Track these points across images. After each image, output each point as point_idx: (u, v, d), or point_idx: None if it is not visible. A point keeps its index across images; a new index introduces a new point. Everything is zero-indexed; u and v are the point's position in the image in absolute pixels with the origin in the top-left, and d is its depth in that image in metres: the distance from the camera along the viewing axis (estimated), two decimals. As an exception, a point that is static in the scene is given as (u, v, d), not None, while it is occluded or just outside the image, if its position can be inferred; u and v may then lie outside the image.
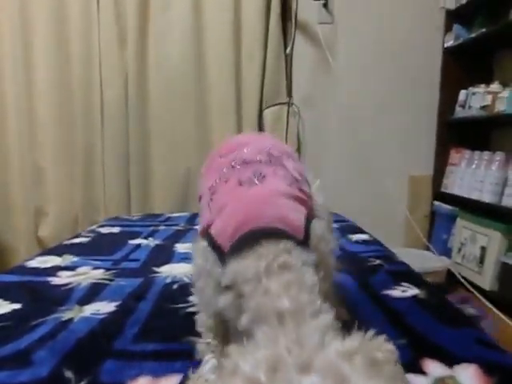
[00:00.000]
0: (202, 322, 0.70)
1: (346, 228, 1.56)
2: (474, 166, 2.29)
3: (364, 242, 1.38)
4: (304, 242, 0.59)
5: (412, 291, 0.96)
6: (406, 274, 1.07)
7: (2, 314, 0.91)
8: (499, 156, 2.16)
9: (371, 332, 0.45)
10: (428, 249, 2.44)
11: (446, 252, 2.39)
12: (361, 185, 2.53)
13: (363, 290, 0.97)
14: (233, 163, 0.71)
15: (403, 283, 1.00)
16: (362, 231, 1.52)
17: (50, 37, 2.35)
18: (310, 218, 0.64)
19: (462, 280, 2.11)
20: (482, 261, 2.14)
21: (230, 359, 0.43)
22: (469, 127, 2.42)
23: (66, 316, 0.89)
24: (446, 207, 2.43)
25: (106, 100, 2.40)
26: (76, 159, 2.43)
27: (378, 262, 1.16)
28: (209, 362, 0.65)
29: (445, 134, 2.47)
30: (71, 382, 0.66)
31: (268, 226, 0.58)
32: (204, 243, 0.64)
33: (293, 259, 0.54)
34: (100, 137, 2.42)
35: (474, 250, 2.20)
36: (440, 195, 2.49)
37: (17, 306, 0.95)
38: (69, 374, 0.68)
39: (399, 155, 2.53)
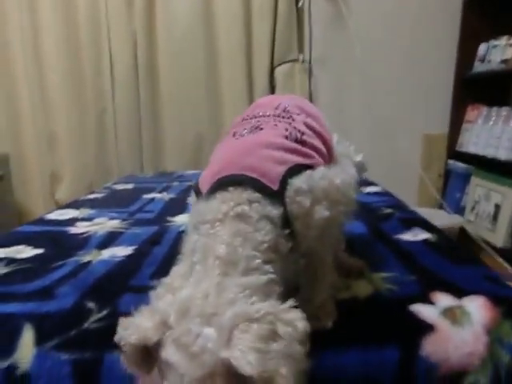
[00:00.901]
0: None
1: (360, 181, 1.56)
2: (491, 123, 2.25)
3: (376, 193, 1.39)
4: (277, 194, 0.57)
5: (423, 235, 0.97)
6: (417, 221, 1.08)
7: (27, 258, 0.95)
8: (514, 112, 2.12)
9: (291, 304, 0.46)
10: (441, 207, 2.44)
11: (460, 211, 2.38)
12: (375, 143, 2.50)
13: (375, 235, 0.98)
14: (244, 118, 0.71)
15: (414, 228, 1.01)
16: (374, 184, 1.52)
17: (56, 2, 2.33)
18: (300, 168, 0.60)
19: (474, 238, 2.11)
20: (495, 218, 2.14)
21: (157, 296, 0.48)
22: (487, 82, 2.35)
23: (85, 259, 0.93)
24: (461, 165, 2.40)
25: (116, 64, 2.40)
26: (88, 124, 2.45)
27: (389, 210, 1.17)
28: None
29: (462, 91, 2.41)
30: (93, 312, 0.70)
31: (238, 174, 0.57)
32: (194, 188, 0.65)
33: (251, 210, 0.54)
34: (111, 101, 2.42)
35: (488, 207, 2.19)
36: (455, 153, 2.46)
37: (39, 250, 0.99)
38: (91, 305, 0.72)
39: (414, 113, 2.49)
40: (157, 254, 0.94)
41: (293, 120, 0.69)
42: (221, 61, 2.39)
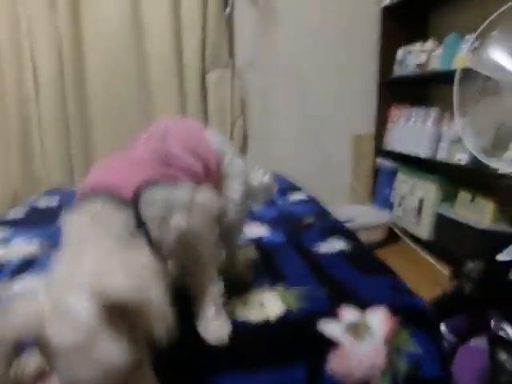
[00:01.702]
0: None
1: (286, 188, 1.59)
2: (411, 123, 2.37)
3: (301, 201, 1.42)
4: (131, 203, 0.61)
5: (339, 245, 1.01)
6: (336, 230, 1.12)
7: None
8: (434, 112, 2.25)
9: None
10: (372, 204, 2.55)
11: (389, 206, 2.50)
12: (307, 146, 2.57)
13: (293, 247, 1.01)
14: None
15: (332, 238, 1.05)
16: (300, 190, 1.56)
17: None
18: (159, 183, 0.65)
19: (399, 233, 2.23)
20: (419, 212, 2.26)
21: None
22: (407, 84, 2.48)
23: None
24: (388, 163, 2.52)
25: (40, 67, 2.27)
26: (11, 132, 2.32)
27: (310, 219, 1.20)
28: None
29: (385, 92, 2.53)
30: None
31: (102, 188, 0.61)
32: None
33: (103, 216, 0.59)
34: (35, 108, 2.30)
35: (413, 202, 2.31)
36: (382, 152, 2.58)
37: None
38: None
39: (343, 115, 2.57)
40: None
41: (165, 141, 0.73)
42: (151, 66, 2.34)
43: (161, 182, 0.65)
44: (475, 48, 1.52)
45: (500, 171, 1.76)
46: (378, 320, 0.69)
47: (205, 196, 0.68)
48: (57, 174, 2.35)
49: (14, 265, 1.02)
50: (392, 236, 2.33)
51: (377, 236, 2.31)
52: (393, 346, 0.65)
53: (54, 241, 1.18)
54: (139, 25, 2.29)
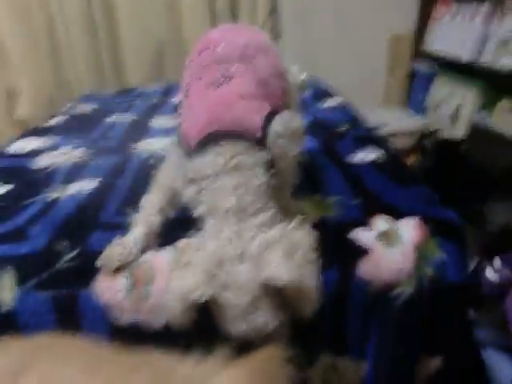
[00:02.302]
0: (150, 199, 0.77)
1: (320, 93, 1.57)
2: (457, 20, 2.21)
3: (335, 108, 1.41)
4: (261, 141, 0.64)
5: (372, 155, 1.03)
6: (370, 139, 1.13)
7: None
8: (487, 7, 2.06)
9: (294, 222, 0.57)
10: (406, 109, 2.49)
11: (423, 112, 2.43)
12: (343, 46, 2.45)
13: (328, 157, 1.04)
14: (206, 62, 0.73)
15: (366, 148, 1.07)
16: (334, 95, 1.54)
17: None
18: (273, 115, 0.67)
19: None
20: (455, 119, 2.21)
21: (184, 253, 0.56)
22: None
23: (52, 195, 0.96)
24: (426, 66, 2.40)
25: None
26: (37, 34, 2.29)
27: (345, 127, 1.21)
28: (134, 232, 0.73)
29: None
30: (66, 252, 0.75)
31: (227, 128, 0.63)
32: (176, 139, 0.71)
33: (245, 160, 0.61)
34: (59, 10, 2.24)
35: (449, 108, 2.24)
36: (421, 54, 2.44)
37: (8, 187, 1.02)
38: (62, 245, 0.77)
39: (381, 12, 2.40)
40: (121, 187, 0.98)
41: (254, 65, 0.72)
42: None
43: (276, 115, 0.67)
44: None
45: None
46: (409, 228, 0.73)
47: (300, 120, 0.73)
48: (88, 77, 2.36)
49: (66, 170, 1.09)
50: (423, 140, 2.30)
51: (410, 142, 2.29)
52: (421, 252, 0.71)
53: (98, 146, 1.25)
54: None
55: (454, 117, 2.21)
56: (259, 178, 0.61)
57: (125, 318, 0.67)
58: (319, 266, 0.56)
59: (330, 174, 0.95)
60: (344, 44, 2.44)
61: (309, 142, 1.11)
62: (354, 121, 1.27)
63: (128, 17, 2.28)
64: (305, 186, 0.88)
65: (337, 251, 0.71)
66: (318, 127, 1.22)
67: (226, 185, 0.60)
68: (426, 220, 0.75)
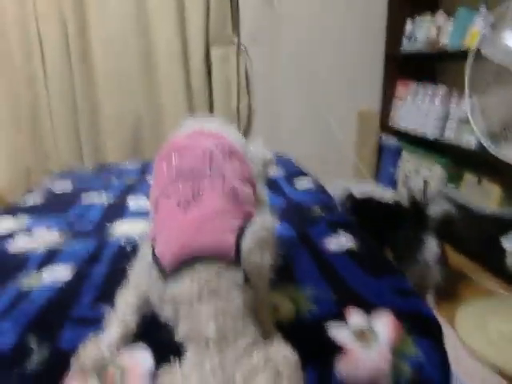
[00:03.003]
0: (125, 297, 0.76)
1: (293, 173, 1.63)
2: (419, 100, 2.37)
3: (309, 190, 1.46)
4: (235, 260, 0.64)
5: (347, 242, 1.05)
6: (343, 225, 1.16)
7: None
8: (442, 89, 2.24)
9: (277, 344, 0.57)
10: (376, 182, 2.59)
11: (393, 184, 2.54)
12: (312, 123, 2.58)
13: (302, 243, 1.06)
14: (172, 177, 0.75)
15: (340, 234, 1.10)
16: (307, 175, 1.60)
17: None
18: (244, 229, 0.67)
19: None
20: (425, 192, 2.30)
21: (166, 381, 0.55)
22: (415, 60, 2.46)
23: (25, 284, 0.94)
24: (393, 141, 2.54)
25: (46, 48, 2.27)
26: (21, 109, 2.34)
27: (318, 211, 1.25)
28: (109, 332, 0.72)
29: (392, 67, 2.51)
30: (35, 351, 0.73)
31: (200, 252, 0.63)
32: (149, 257, 0.69)
33: (221, 283, 0.61)
34: (44, 87, 2.31)
35: (418, 182, 2.35)
36: (387, 129, 2.58)
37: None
38: (32, 342, 0.75)
39: (348, 91, 2.57)
40: (96, 276, 0.97)
41: (223, 177, 0.74)
42: (155, 44, 2.33)
43: (248, 227, 0.67)
44: (490, 25, 1.49)
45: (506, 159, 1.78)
46: (384, 326, 0.74)
47: (271, 224, 0.73)
48: (66, 150, 2.39)
49: (41, 255, 1.07)
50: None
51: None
52: (397, 351, 0.71)
53: (74, 228, 1.24)
54: (143, 3, 2.26)
55: (423, 190, 2.30)
56: (236, 300, 0.61)
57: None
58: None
59: (303, 263, 0.96)
60: (313, 121, 2.57)
61: (282, 228, 1.14)
62: (327, 204, 1.31)
63: (108, 93, 2.36)
64: (278, 275, 0.90)
65: (314, 350, 0.71)
66: (291, 212, 1.26)
67: (204, 312, 0.59)
68: (400, 315, 0.76)
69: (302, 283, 0.88)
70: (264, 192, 0.87)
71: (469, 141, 1.97)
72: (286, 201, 1.35)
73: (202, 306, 0.60)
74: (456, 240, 2.04)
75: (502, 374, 1.31)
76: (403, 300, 0.82)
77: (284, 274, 0.91)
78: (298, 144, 2.34)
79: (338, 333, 0.73)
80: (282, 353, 0.56)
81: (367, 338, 0.72)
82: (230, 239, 0.65)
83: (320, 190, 1.45)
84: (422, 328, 0.75)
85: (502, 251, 1.79)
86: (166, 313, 0.64)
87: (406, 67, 2.48)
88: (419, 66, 2.46)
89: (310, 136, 2.56)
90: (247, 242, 0.65)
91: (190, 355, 0.59)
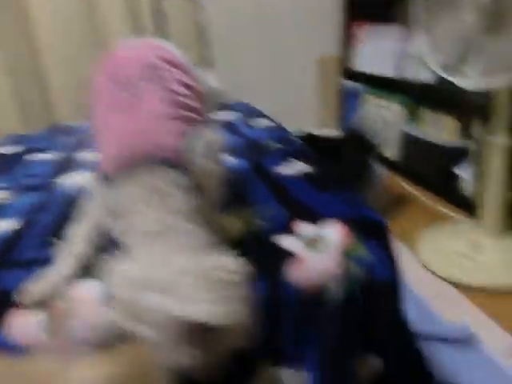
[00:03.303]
0: (77, 229, 0.73)
1: (251, 115, 1.60)
2: (376, 41, 2.35)
3: (266, 127, 1.44)
4: (180, 163, 0.62)
5: (302, 167, 1.04)
6: (300, 153, 1.15)
7: None
8: (398, 29, 2.21)
9: (222, 253, 0.54)
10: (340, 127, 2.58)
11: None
12: (272, 72, 2.53)
13: (256, 172, 1.04)
14: (113, 82, 0.69)
15: (295, 160, 1.08)
16: (264, 116, 1.57)
17: None
18: (190, 135, 0.65)
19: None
20: (385, 132, 2.31)
21: (107, 272, 0.53)
22: (371, 2, 2.42)
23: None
24: (354, 85, 2.52)
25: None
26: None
27: (275, 144, 1.23)
28: (59, 264, 0.70)
29: (349, 11, 2.46)
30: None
31: (141, 154, 0.61)
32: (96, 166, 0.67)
33: (164, 184, 0.59)
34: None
35: (378, 122, 2.35)
36: (348, 73, 2.56)
37: None
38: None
39: (307, 37, 2.52)
40: (44, 223, 0.93)
41: (165, 81, 0.70)
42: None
43: (192, 132, 0.64)
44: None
45: (463, 87, 1.80)
46: (333, 232, 0.74)
47: (219, 139, 0.71)
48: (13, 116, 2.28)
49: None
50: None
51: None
52: (347, 254, 0.71)
53: (22, 184, 1.19)
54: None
55: (385, 130, 2.32)
56: (180, 200, 0.59)
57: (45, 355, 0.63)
58: (248, 294, 0.53)
59: (255, 188, 0.95)
60: (273, 71, 2.52)
61: (237, 163, 1.12)
62: (284, 139, 1.29)
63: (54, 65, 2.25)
64: (230, 201, 0.88)
65: (264, 261, 0.70)
66: (249, 148, 1.24)
67: (145, 210, 0.57)
68: (350, 222, 0.76)
69: (253, 205, 0.87)
70: (213, 104, 0.83)
71: (425, 76, 1.97)
72: (242, 139, 1.32)
73: (144, 205, 0.58)
74: (414, 173, 2.08)
75: (458, 286, 1.37)
76: (353, 209, 0.82)
77: (235, 199, 0.90)
78: (261, 95, 2.28)
79: (289, 242, 0.73)
80: (224, 261, 0.53)
81: (317, 245, 0.72)
82: (173, 141, 0.63)
83: (277, 127, 1.43)
84: (369, 231, 0.75)
85: (456, 179, 1.84)
86: (116, 226, 0.61)
87: (363, 10, 2.44)
88: (376, 8, 2.42)
89: (271, 86, 2.52)
90: (192, 145, 0.63)
91: (133, 249, 0.56)
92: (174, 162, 0.62)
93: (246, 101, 1.87)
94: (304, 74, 2.56)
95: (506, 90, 1.37)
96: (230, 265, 0.52)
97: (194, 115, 0.71)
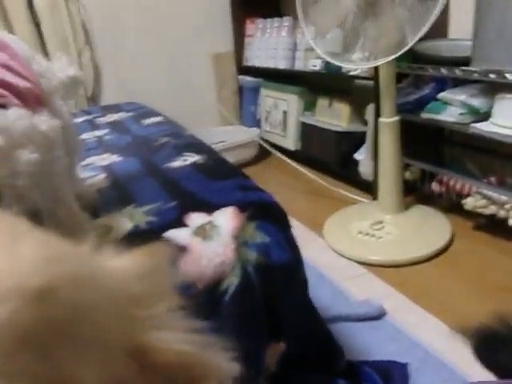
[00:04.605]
0: None
1: (142, 114, 1.51)
2: (267, 35, 2.37)
3: (156, 123, 1.36)
4: None
5: (192, 159, 0.99)
6: (190, 146, 1.09)
7: None
8: (287, 21, 2.26)
9: None
10: (240, 123, 2.57)
11: (257, 123, 2.54)
12: (166, 71, 2.44)
13: (145, 168, 0.97)
14: None
15: (186, 153, 1.03)
16: (157, 115, 1.49)
17: None
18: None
19: (268, 147, 2.29)
20: (285, 124, 2.34)
21: None
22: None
23: None
24: (250, 80, 2.52)
25: None
26: None
27: (165, 139, 1.16)
28: None
29: (238, 7, 2.46)
30: None
31: None
32: None
33: None
34: None
35: (278, 115, 2.38)
36: (243, 69, 2.56)
37: None
38: None
39: (199, 35, 2.47)
40: None
41: None
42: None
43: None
44: None
45: (350, 72, 1.87)
46: (225, 219, 0.70)
47: (46, 122, 0.58)
48: None
49: None
50: (263, 152, 2.39)
51: (248, 154, 2.36)
52: (240, 239, 0.67)
53: None
54: None
55: (283, 122, 2.34)
56: None
57: None
58: None
59: (145, 187, 0.88)
60: (166, 70, 2.44)
61: (125, 161, 1.04)
62: (175, 132, 1.23)
63: None
64: (115, 201, 0.80)
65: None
66: (137, 145, 1.16)
67: None
68: (242, 206, 0.72)
69: (141, 202, 0.79)
70: (62, 108, 0.72)
71: (316, 65, 2.02)
72: (131, 137, 1.23)
73: None
74: (315, 161, 2.12)
75: (364, 264, 1.41)
76: (245, 194, 0.78)
77: (122, 198, 0.82)
78: (158, 98, 2.19)
79: (177, 234, 0.67)
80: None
81: (208, 233, 0.67)
82: None
83: (167, 121, 1.36)
84: (265, 214, 0.72)
85: (356, 163, 1.90)
86: None
87: (253, 4, 2.45)
88: (265, 1, 2.45)
89: (168, 88, 2.43)
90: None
91: None
92: None
93: (143, 103, 1.77)
94: (200, 72, 2.51)
95: (388, 72, 1.44)
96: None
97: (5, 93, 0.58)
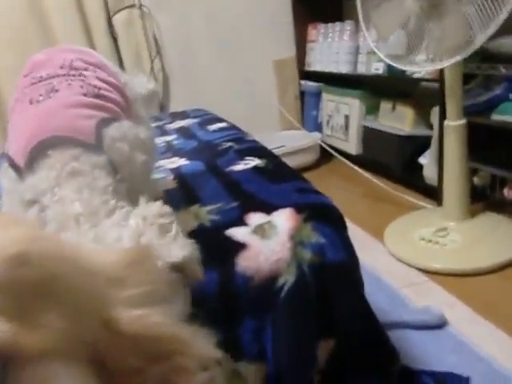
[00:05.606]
0: None
1: (207, 120, 1.59)
2: (329, 40, 2.38)
3: (220, 129, 1.43)
4: (96, 146, 0.59)
5: (254, 162, 1.03)
6: (252, 150, 1.14)
7: None
8: (349, 25, 2.26)
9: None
10: (302, 128, 2.60)
11: (318, 128, 2.55)
12: (231, 78, 2.53)
13: (210, 171, 1.03)
14: (32, 81, 0.68)
15: (248, 157, 1.07)
16: (221, 121, 1.56)
17: None
18: (108, 121, 0.63)
19: (330, 150, 2.30)
20: (347, 128, 2.34)
21: None
22: (322, 1, 2.45)
23: None
24: (312, 85, 2.54)
25: None
26: None
27: (228, 144, 1.22)
28: None
29: (300, 12, 2.49)
30: None
31: (54, 136, 0.58)
32: (5, 164, 0.62)
33: (80, 165, 0.55)
34: None
35: (339, 119, 2.38)
36: (305, 74, 2.59)
37: None
38: None
39: (261, 41, 2.53)
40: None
41: (84, 76, 0.68)
42: (51, 19, 2.17)
43: (110, 122, 0.62)
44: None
45: (414, 75, 1.83)
46: (283, 219, 0.73)
47: (144, 131, 0.68)
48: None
49: None
50: (325, 156, 2.40)
51: (310, 158, 2.38)
52: (296, 239, 0.70)
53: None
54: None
55: (345, 126, 2.34)
56: (102, 179, 0.56)
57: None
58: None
59: (209, 187, 0.93)
60: (231, 76, 2.52)
61: (191, 163, 1.10)
62: (237, 138, 1.28)
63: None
64: (180, 200, 0.86)
65: (213, 252, 0.69)
66: (202, 149, 1.22)
67: (66, 193, 0.53)
68: (300, 208, 0.75)
69: (205, 201, 0.85)
70: (145, 114, 0.81)
71: (378, 68, 2.00)
72: (197, 142, 1.31)
73: (63, 188, 0.54)
74: (378, 166, 2.09)
75: (426, 272, 1.37)
76: (303, 196, 0.81)
77: (188, 197, 0.88)
78: (222, 104, 2.28)
79: (237, 232, 0.71)
80: (153, 208, 0.52)
81: (266, 232, 0.71)
82: (89, 124, 0.60)
83: (230, 127, 1.42)
84: (321, 216, 0.75)
85: (420, 168, 1.86)
86: (30, 214, 0.56)
87: (315, 9, 2.47)
88: (327, 6, 2.47)
89: (231, 94, 2.52)
90: (110, 130, 0.61)
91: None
92: (90, 145, 0.59)
93: (207, 108, 1.86)
94: (262, 78, 2.57)
95: (454, 73, 1.40)
96: (160, 210, 0.51)
97: (110, 105, 0.68)
